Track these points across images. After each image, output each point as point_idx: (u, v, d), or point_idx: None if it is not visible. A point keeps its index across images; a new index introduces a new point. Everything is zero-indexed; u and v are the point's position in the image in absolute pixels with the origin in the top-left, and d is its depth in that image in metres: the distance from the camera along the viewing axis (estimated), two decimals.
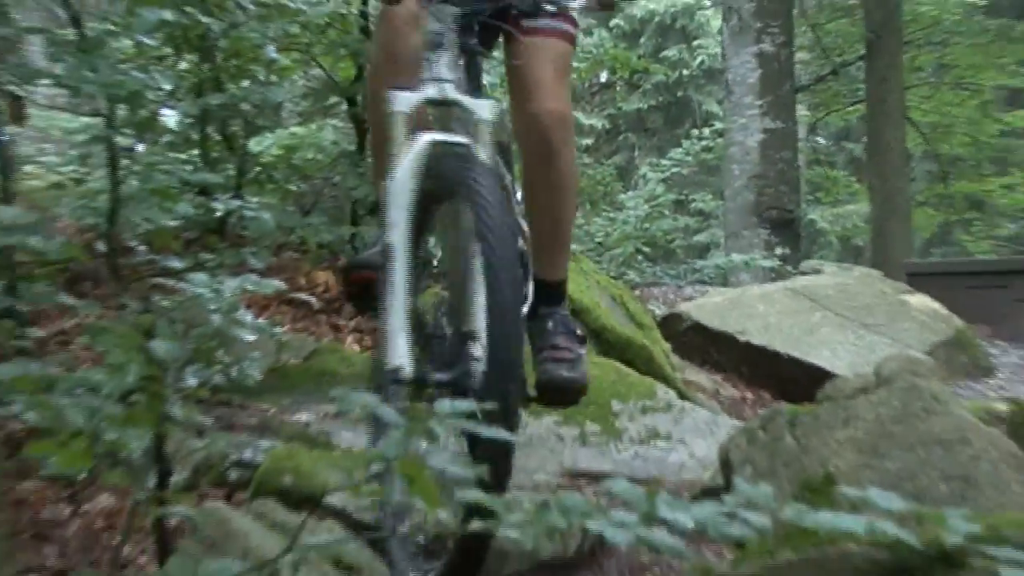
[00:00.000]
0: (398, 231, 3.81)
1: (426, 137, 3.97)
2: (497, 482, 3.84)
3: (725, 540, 2.01)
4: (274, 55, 9.04)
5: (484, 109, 4.04)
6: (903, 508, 2.01)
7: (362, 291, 4.42)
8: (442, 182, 3.90)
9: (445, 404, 2.11)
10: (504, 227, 3.58)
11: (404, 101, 4.05)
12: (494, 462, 3.90)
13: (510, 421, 3.47)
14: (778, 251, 15.98)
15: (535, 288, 4.52)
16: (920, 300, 9.58)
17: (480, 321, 3.67)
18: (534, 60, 4.47)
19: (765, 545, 2.42)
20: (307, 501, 4.25)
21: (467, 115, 4.06)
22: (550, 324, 4.48)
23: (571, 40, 4.64)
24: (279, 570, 3.11)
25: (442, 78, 4.13)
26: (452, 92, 4.11)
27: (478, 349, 3.67)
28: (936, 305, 9.50)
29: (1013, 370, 8.89)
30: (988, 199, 27.56)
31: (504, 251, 3.53)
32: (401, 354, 3.69)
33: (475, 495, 2.01)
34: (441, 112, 4.20)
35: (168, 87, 6.76)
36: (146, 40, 8.51)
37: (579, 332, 4.49)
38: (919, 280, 10.96)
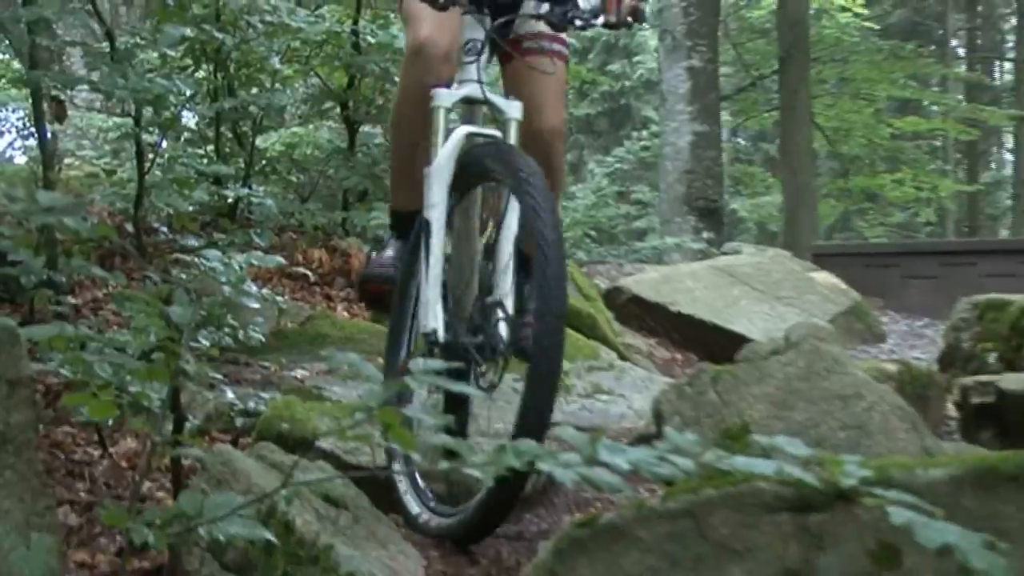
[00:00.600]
0: (438, 210, 3.82)
1: (464, 129, 3.97)
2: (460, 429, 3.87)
3: (657, 479, 2.00)
4: (278, 66, 9.10)
5: (515, 109, 4.00)
6: (806, 453, 1.99)
7: (375, 300, 4.44)
8: (479, 168, 3.87)
9: (419, 363, 2.09)
10: (552, 212, 3.53)
11: (446, 97, 4.02)
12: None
13: (556, 380, 3.50)
14: (704, 235, 16.03)
15: None
16: (824, 277, 9.62)
17: (505, 290, 3.73)
18: (539, 80, 4.37)
19: (690, 484, 2.40)
20: (301, 445, 4.23)
21: (498, 114, 4.03)
22: None
23: (567, 59, 4.59)
24: (276, 501, 3.10)
25: (478, 80, 4.09)
26: (488, 93, 4.08)
27: (502, 315, 3.69)
28: (837, 281, 9.54)
29: (902, 336, 8.94)
30: (881, 192, 27.64)
31: (555, 231, 3.49)
32: (437, 320, 3.72)
33: (444, 439, 2.00)
34: (472, 110, 4.17)
35: (188, 92, 6.71)
36: (169, 52, 8.54)
37: None
38: (823, 260, 10.99)
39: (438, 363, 2.04)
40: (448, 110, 4.04)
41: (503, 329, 3.70)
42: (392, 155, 4.48)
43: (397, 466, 4.11)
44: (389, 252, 4.39)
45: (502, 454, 1.99)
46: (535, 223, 3.50)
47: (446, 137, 3.95)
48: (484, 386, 3.70)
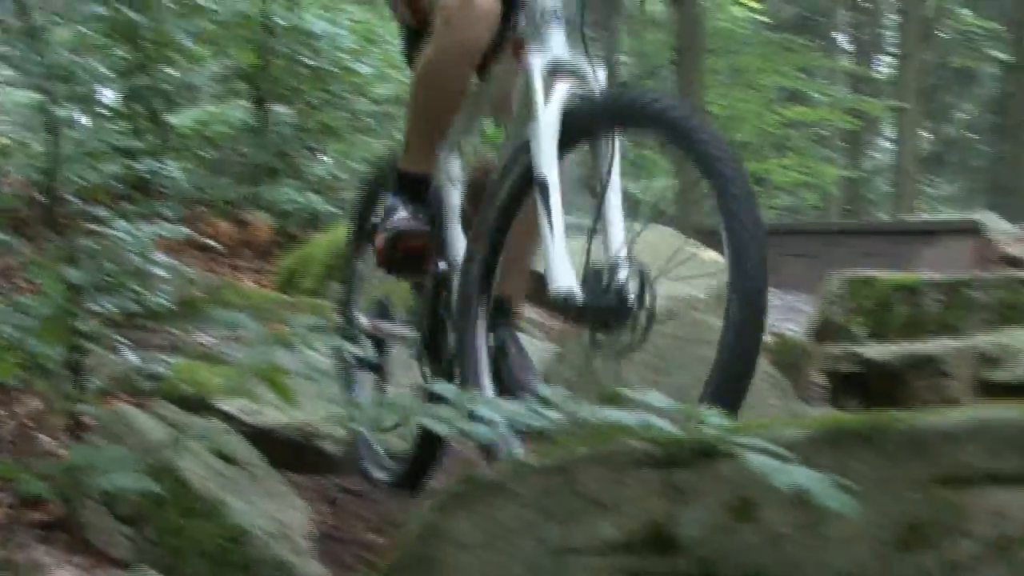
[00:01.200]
0: (551, 168, 3.51)
1: (565, 86, 3.66)
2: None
3: (530, 431, 2.01)
4: (190, 45, 9.08)
5: (602, 75, 3.75)
6: (670, 405, 2.02)
7: (409, 259, 4.01)
8: (592, 123, 3.59)
9: (300, 320, 2.08)
10: (735, 158, 3.30)
11: (541, 57, 3.68)
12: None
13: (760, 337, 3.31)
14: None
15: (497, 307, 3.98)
16: (708, 254, 9.65)
17: (621, 248, 3.45)
18: None
19: (564, 443, 2.41)
20: (202, 406, 4.22)
21: (583, 78, 3.71)
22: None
23: None
24: (171, 458, 3.08)
25: (564, 45, 3.75)
26: (576, 59, 3.76)
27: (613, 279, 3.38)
28: (721, 258, 9.55)
29: (779, 310, 9.00)
30: (768, 176, 27.87)
31: (744, 184, 3.28)
32: (571, 280, 3.38)
33: (335, 397, 2.00)
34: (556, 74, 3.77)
35: (102, 70, 6.67)
36: (84, 30, 8.45)
37: None
38: (710, 238, 11.02)
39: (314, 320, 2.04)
40: (544, 70, 3.69)
41: (631, 287, 3.39)
42: (416, 115, 4.07)
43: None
44: (403, 213, 4.03)
45: (382, 409, 1.99)
46: (713, 152, 3.26)
47: (545, 95, 3.63)
48: (619, 348, 3.45)
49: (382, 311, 4.51)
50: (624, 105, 3.52)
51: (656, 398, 2.05)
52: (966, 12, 28.18)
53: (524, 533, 2.33)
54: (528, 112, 3.64)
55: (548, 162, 3.51)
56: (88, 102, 7.88)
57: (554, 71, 3.67)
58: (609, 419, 2.01)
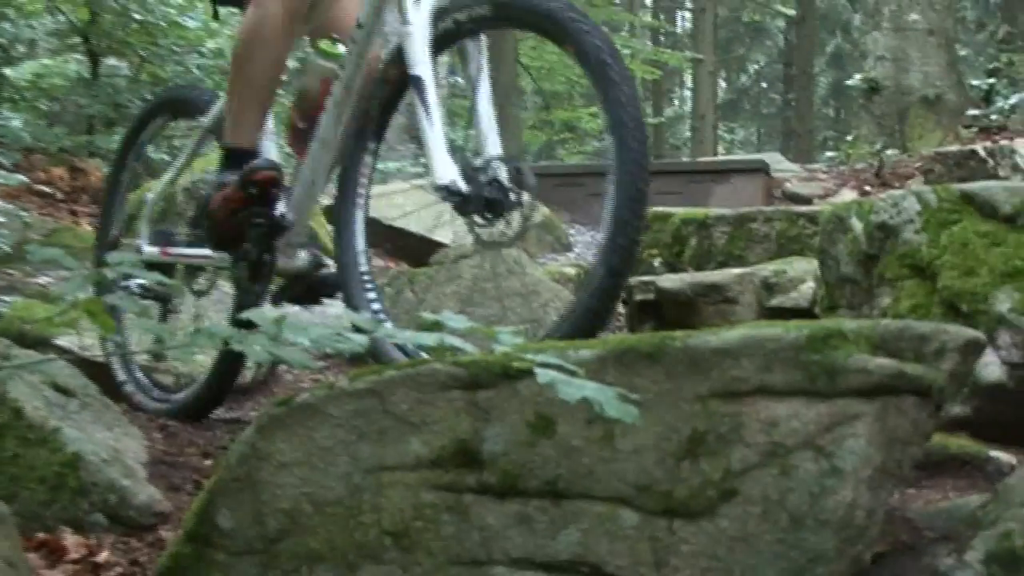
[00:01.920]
0: (426, 65, 3.38)
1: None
2: None
3: (337, 352, 2.02)
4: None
5: None
6: (466, 326, 2.04)
7: (264, 192, 3.73)
8: (459, 26, 3.46)
9: (115, 256, 2.06)
10: (618, 57, 3.21)
11: None
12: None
13: (643, 207, 3.15)
14: (422, 161, 16.05)
15: None
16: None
17: (496, 144, 3.37)
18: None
19: (375, 368, 2.43)
20: (39, 342, 4.16)
21: None
22: None
23: None
24: (6, 390, 3.03)
25: None
26: None
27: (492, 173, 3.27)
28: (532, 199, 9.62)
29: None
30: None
31: (625, 75, 3.18)
32: (453, 172, 3.27)
33: (149, 325, 1.98)
34: None
35: None
36: None
37: None
38: None
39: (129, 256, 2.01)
40: None
41: (507, 182, 3.28)
42: (239, 91, 3.84)
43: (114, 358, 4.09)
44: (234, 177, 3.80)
45: (198, 337, 1.99)
46: (607, 72, 3.17)
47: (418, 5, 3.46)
48: (511, 236, 3.34)
49: (170, 238, 4.35)
50: (512, 5, 3.41)
51: (456, 320, 2.06)
52: None
53: (340, 452, 2.34)
54: (397, 16, 3.51)
55: (422, 60, 3.42)
56: None
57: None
58: (408, 339, 2.02)
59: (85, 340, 4.16)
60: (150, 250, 4.29)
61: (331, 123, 3.74)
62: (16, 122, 8.92)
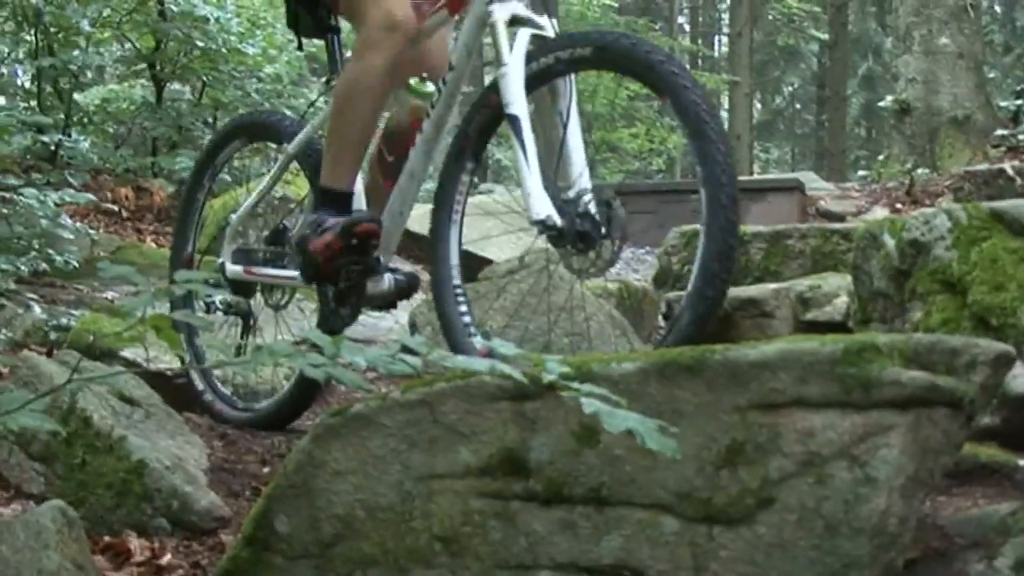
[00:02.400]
0: (521, 106, 3.38)
1: (528, 31, 3.51)
2: None
3: (391, 374, 2.03)
4: (89, 29, 9.01)
5: (552, 26, 3.57)
6: (515, 352, 2.04)
7: (362, 243, 3.74)
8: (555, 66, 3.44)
9: (183, 274, 2.07)
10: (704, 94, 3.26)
11: (504, 9, 3.51)
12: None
13: (729, 261, 3.14)
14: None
15: None
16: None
17: (586, 179, 3.40)
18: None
19: (427, 379, 2.43)
20: (106, 354, 4.18)
21: (537, 29, 3.53)
22: None
23: None
24: (76, 400, 3.07)
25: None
26: (531, 12, 3.58)
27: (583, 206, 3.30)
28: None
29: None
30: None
31: (714, 113, 3.23)
32: (548, 207, 3.29)
33: (211, 341, 1.99)
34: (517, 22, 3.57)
35: (5, 50, 6.57)
36: None
37: None
38: None
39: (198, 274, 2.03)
40: (504, 22, 3.51)
41: (599, 215, 3.31)
42: (339, 135, 3.84)
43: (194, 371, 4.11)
44: (333, 220, 3.78)
45: (260, 355, 1.99)
46: (704, 129, 3.16)
47: (508, 42, 3.46)
48: (601, 267, 3.38)
49: (251, 257, 4.37)
50: (612, 49, 3.39)
51: (506, 346, 2.07)
52: None
53: (392, 460, 2.35)
54: (495, 58, 3.50)
55: (518, 100, 3.41)
56: (3, 82, 7.79)
57: (513, 20, 3.55)
58: (459, 364, 2.02)
59: (151, 353, 4.19)
60: (233, 268, 4.31)
61: (421, 158, 3.80)
62: (85, 144, 9.03)
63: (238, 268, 4.29)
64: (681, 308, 3.19)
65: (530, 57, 3.47)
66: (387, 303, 4.03)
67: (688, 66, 30.08)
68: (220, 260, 4.39)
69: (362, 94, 3.77)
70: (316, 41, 4.34)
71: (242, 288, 4.28)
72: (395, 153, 3.91)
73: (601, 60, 3.46)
